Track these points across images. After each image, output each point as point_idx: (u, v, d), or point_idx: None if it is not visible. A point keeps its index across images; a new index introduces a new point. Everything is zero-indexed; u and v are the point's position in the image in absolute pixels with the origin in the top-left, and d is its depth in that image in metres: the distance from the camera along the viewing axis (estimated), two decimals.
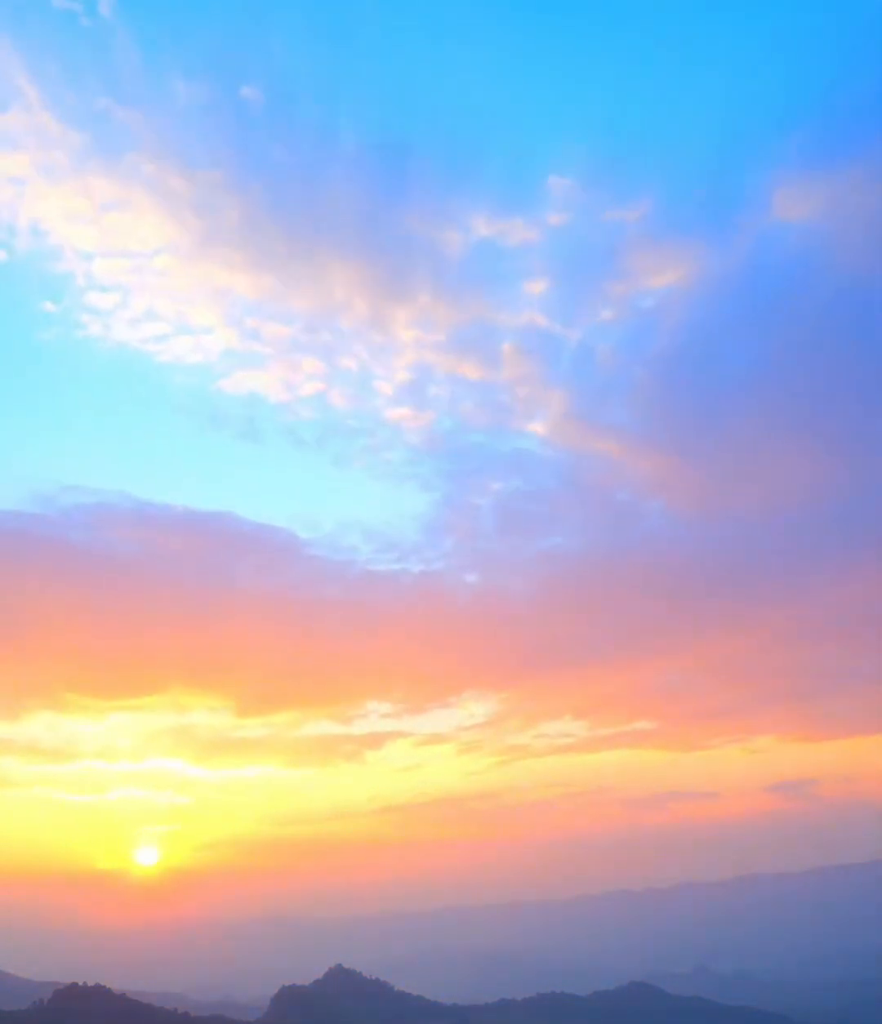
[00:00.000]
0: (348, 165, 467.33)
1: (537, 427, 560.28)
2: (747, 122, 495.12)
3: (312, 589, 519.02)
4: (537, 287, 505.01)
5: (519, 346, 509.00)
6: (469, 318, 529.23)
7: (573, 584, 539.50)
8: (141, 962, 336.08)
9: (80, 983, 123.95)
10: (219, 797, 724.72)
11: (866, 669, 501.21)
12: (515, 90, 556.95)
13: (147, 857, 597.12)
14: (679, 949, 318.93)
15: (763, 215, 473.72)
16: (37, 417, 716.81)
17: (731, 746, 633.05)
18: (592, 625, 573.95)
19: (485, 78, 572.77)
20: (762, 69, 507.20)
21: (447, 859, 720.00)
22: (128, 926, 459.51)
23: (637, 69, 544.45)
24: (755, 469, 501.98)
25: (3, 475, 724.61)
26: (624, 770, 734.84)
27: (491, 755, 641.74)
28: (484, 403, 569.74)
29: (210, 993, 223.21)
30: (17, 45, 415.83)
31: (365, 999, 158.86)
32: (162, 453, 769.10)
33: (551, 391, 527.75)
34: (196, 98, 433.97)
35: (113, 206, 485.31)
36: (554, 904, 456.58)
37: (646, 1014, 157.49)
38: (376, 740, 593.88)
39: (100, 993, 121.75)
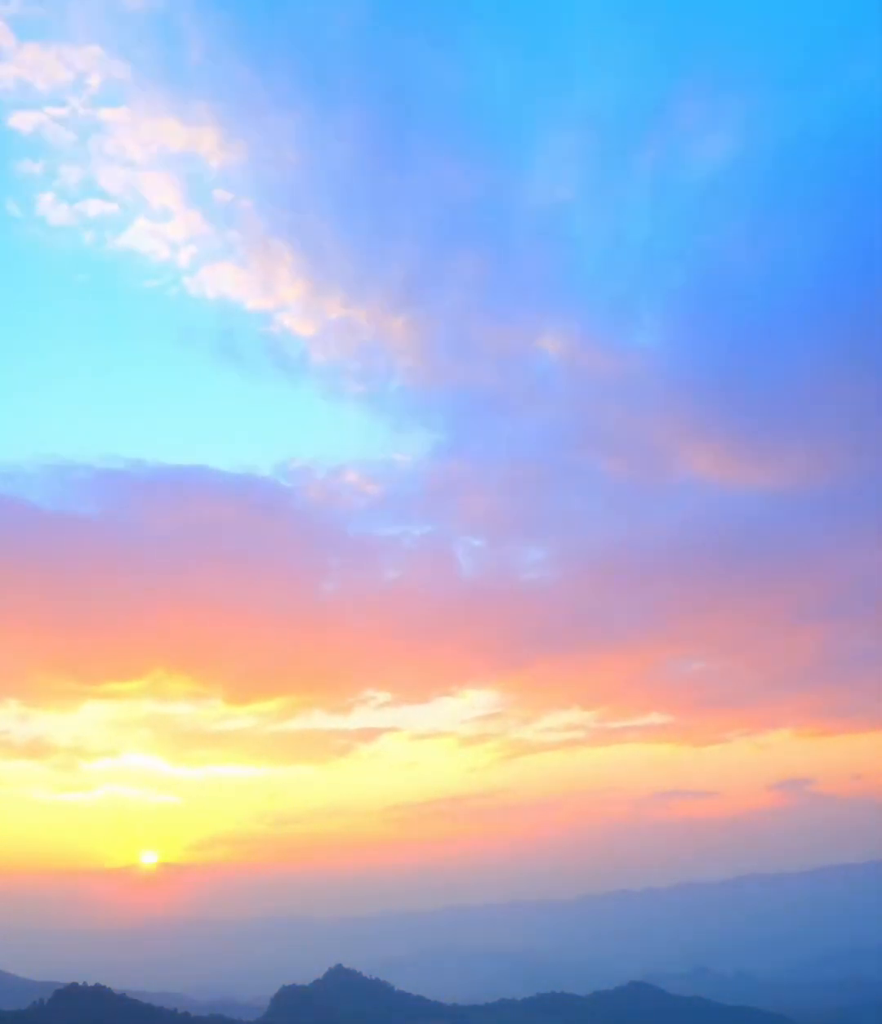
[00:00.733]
0: None
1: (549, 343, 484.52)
2: None
3: (302, 557, 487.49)
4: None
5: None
6: None
7: (591, 558, 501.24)
8: (141, 962, 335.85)
9: (80, 983, 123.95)
10: (211, 794, 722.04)
11: None
12: None
13: (144, 856, 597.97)
14: (679, 949, 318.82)
15: None
16: None
17: (742, 740, 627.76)
18: (607, 605, 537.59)
19: None
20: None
21: (447, 858, 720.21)
22: (128, 925, 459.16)
23: None
24: (797, 428, 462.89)
25: None
26: (630, 766, 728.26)
27: (494, 751, 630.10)
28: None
29: (210, 993, 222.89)
30: None
31: (365, 999, 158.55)
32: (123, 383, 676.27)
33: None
34: None
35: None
36: (554, 904, 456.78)
37: (646, 1014, 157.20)
38: (370, 734, 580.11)
39: (100, 993, 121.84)
